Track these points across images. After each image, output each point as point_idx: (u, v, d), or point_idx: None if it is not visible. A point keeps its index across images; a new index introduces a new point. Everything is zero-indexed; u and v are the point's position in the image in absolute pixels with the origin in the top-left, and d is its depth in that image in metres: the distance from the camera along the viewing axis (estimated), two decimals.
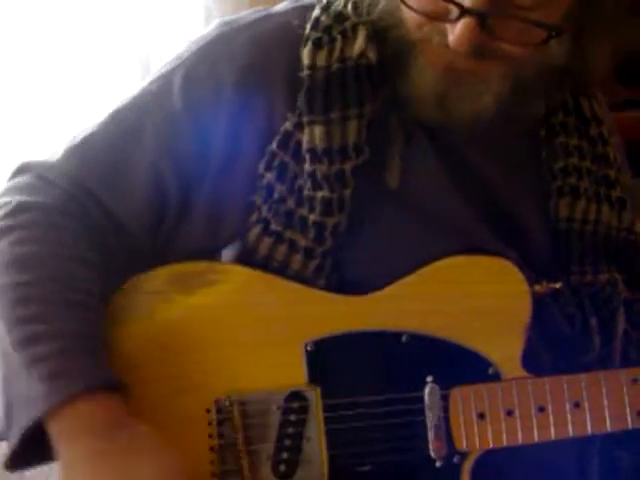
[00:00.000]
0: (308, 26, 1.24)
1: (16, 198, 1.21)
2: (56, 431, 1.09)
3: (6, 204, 1.21)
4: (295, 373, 1.19)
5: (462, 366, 1.20)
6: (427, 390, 1.19)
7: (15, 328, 1.12)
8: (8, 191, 1.23)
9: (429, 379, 1.19)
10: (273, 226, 1.23)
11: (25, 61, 2.25)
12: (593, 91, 1.35)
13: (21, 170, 1.26)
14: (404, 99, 1.21)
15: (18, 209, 1.19)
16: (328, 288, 1.22)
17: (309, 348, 1.20)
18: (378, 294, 1.21)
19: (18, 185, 1.23)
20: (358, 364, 1.19)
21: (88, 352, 1.11)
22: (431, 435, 1.19)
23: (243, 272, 1.23)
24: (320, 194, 1.21)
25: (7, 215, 1.19)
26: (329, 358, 1.20)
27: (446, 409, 1.19)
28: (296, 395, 1.19)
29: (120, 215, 1.21)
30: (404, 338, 1.20)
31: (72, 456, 1.08)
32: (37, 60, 2.26)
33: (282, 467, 1.18)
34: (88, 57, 2.32)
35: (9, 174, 1.27)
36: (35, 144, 2.21)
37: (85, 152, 1.23)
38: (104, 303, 1.18)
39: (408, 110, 1.21)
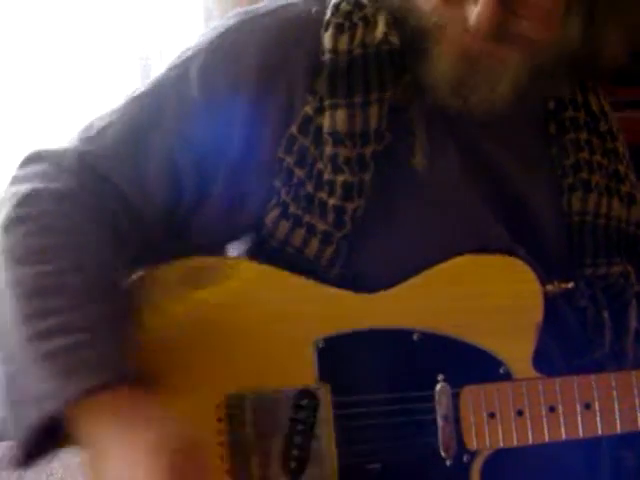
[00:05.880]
0: (328, 12, 1.24)
1: (25, 187, 1.19)
2: (75, 422, 1.09)
3: (15, 194, 1.18)
4: (305, 370, 1.19)
5: (473, 365, 1.20)
6: (438, 389, 1.19)
7: (29, 322, 1.10)
8: (17, 180, 1.21)
9: (440, 378, 1.19)
10: (292, 209, 1.22)
11: (25, 61, 2.24)
12: (600, 89, 1.36)
13: (32, 159, 1.23)
14: (423, 85, 1.21)
15: (29, 198, 1.17)
16: (341, 278, 1.22)
17: (320, 345, 1.19)
18: (390, 292, 1.21)
19: (29, 173, 1.21)
20: (369, 362, 1.19)
21: (104, 344, 1.10)
22: (441, 434, 1.18)
23: (253, 268, 1.23)
24: (341, 178, 1.20)
25: (18, 204, 1.17)
26: (340, 356, 1.19)
27: (456, 408, 1.19)
28: (306, 392, 1.19)
29: (135, 200, 1.20)
30: (415, 336, 1.20)
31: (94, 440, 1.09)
32: (37, 60, 2.26)
33: (292, 464, 1.18)
34: (88, 57, 2.31)
35: (18, 163, 1.24)
36: (35, 144, 2.20)
37: (101, 138, 1.22)
38: (123, 291, 1.17)
39: (427, 97, 1.22)
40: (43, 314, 1.10)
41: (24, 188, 1.18)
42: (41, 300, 1.11)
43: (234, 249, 1.30)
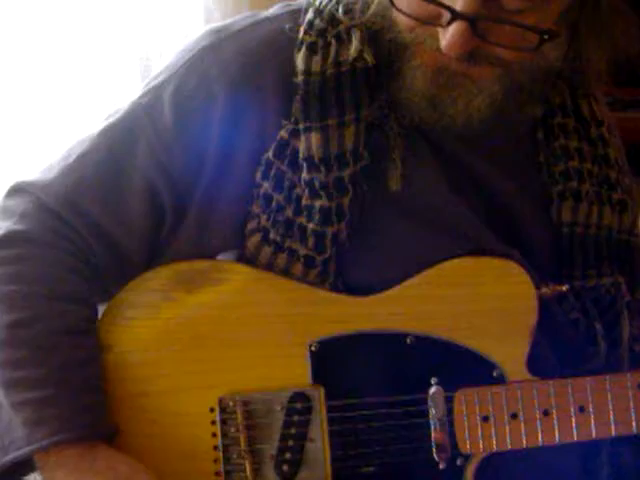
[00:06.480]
0: (302, 30, 1.23)
1: (7, 225, 1.21)
2: (40, 467, 1.14)
3: None
4: (299, 373, 1.19)
5: (467, 368, 1.20)
6: (431, 392, 1.19)
7: (2, 369, 1.14)
8: (1, 214, 1.24)
9: (434, 381, 1.19)
10: (272, 235, 1.22)
11: (25, 61, 2.24)
12: (592, 92, 1.34)
13: (16, 190, 1.25)
14: (399, 101, 1.20)
15: (7, 240, 1.20)
16: (333, 289, 1.22)
17: (313, 348, 1.19)
18: (383, 295, 1.21)
19: (11, 208, 1.23)
20: (362, 365, 1.19)
21: (70, 400, 1.14)
22: (434, 437, 1.18)
23: (246, 271, 1.23)
24: (318, 203, 1.20)
25: None
26: (333, 358, 1.19)
27: (450, 411, 1.19)
28: (300, 395, 1.19)
29: (115, 233, 1.21)
30: (409, 339, 1.20)
31: None
32: (37, 60, 2.25)
33: (285, 467, 1.18)
34: (88, 57, 2.31)
35: (5, 189, 1.26)
36: (36, 143, 2.21)
37: (79, 172, 1.22)
38: (94, 334, 1.20)
39: (404, 112, 1.21)
40: (13, 364, 1.15)
41: (4, 227, 1.21)
42: (10, 350, 1.15)
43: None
